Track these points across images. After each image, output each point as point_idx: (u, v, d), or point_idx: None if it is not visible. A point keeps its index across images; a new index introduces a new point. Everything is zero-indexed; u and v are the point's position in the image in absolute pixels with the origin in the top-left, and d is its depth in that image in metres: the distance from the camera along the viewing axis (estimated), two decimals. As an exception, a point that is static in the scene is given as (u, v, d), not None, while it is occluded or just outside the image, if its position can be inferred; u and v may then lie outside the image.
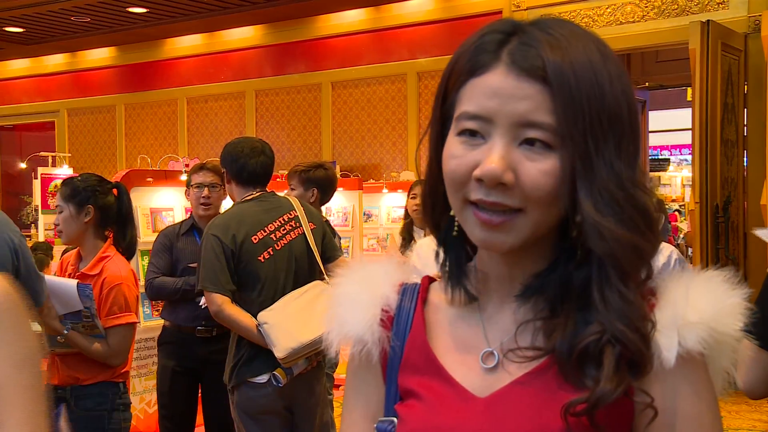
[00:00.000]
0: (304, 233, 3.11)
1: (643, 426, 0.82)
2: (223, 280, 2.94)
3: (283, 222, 3.11)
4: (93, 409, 2.86)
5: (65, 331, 2.80)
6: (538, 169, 0.80)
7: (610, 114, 0.81)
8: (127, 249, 3.04)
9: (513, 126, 0.80)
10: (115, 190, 3.04)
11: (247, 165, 3.09)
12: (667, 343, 0.81)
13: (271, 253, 3.02)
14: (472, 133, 0.82)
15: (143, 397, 4.69)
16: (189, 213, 4.06)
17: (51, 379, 2.91)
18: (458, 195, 0.84)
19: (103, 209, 2.97)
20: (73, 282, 2.82)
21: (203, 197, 3.78)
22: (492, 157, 0.80)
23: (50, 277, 2.90)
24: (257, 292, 2.97)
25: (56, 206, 2.99)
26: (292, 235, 3.09)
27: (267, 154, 3.16)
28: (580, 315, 0.82)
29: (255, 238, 3.00)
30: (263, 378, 2.98)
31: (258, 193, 3.13)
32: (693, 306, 0.82)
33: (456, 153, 0.83)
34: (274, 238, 3.05)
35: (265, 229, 3.05)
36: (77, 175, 3.14)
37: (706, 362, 0.83)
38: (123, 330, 2.90)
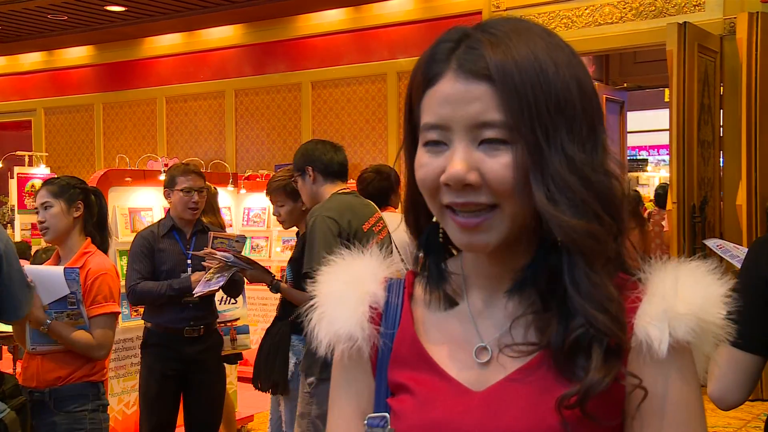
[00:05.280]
0: (389, 234, 3.25)
1: (633, 408, 0.84)
2: None
3: (377, 219, 3.28)
4: (73, 411, 2.84)
5: (48, 321, 2.78)
6: (500, 163, 0.82)
7: (558, 100, 0.82)
8: (100, 249, 3.06)
9: (469, 129, 0.83)
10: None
11: (333, 159, 3.30)
12: (658, 335, 0.83)
13: (376, 243, 3.14)
14: (435, 143, 0.85)
15: (121, 398, 4.66)
16: (166, 213, 4.02)
17: (29, 381, 2.88)
18: (434, 202, 0.87)
19: (88, 207, 3.01)
20: (59, 268, 2.82)
21: (193, 202, 3.77)
22: (454, 161, 0.82)
23: (34, 267, 2.90)
24: None
25: (40, 204, 2.96)
26: (383, 233, 3.21)
27: (343, 151, 3.41)
28: (566, 306, 0.84)
29: (365, 227, 3.14)
30: None
31: (349, 190, 3.30)
32: (682, 297, 0.83)
33: (423, 162, 0.86)
34: (376, 231, 3.19)
35: (369, 220, 3.21)
36: (54, 177, 3.14)
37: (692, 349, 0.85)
38: (107, 319, 2.91)
